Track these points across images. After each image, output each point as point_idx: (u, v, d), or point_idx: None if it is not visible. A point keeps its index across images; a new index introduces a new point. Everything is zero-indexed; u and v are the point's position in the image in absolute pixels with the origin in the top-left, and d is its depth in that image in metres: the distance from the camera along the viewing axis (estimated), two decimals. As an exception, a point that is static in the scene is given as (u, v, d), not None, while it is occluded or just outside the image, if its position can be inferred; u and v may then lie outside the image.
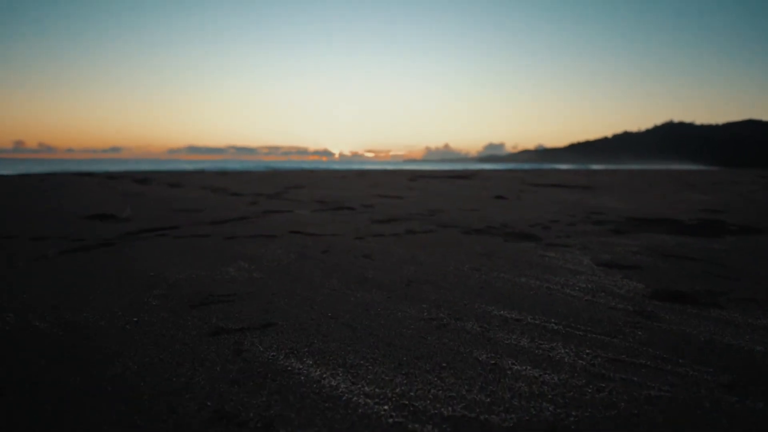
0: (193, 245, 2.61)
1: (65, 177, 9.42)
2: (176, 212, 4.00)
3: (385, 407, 0.95)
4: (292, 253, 2.46)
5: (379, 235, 3.02)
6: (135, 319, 1.45)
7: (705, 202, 5.81)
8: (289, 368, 1.11)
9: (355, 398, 0.98)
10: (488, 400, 0.99)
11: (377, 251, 2.53)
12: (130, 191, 5.99)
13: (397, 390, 1.02)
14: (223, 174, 9.85)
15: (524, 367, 1.14)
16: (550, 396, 1.01)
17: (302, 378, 1.07)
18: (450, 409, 0.95)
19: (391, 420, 0.90)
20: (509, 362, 1.17)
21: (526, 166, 44.30)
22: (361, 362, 1.15)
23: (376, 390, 1.01)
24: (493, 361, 1.17)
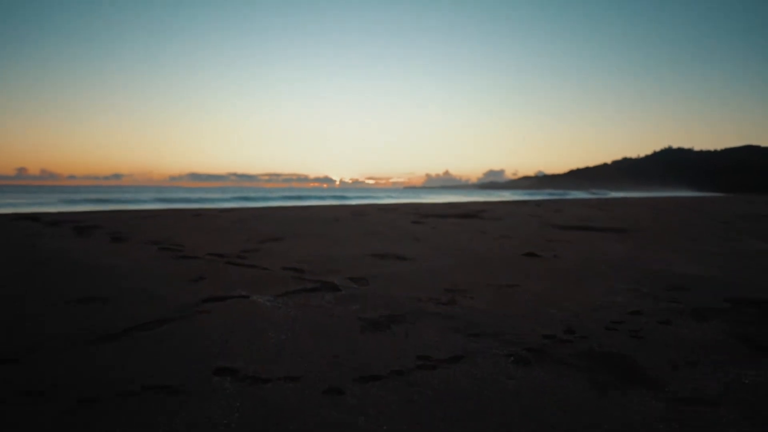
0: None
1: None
2: (68, 305, 2.70)
3: None
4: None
5: (369, 379, 1.72)
6: None
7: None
8: None
9: None
10: None
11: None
12: (46, 249, 4.71)
13: None
14: (196, 215, 8.54)
15: None
16: None
17: None
18: None
19: None
20: None
21: (536, 195, 43.15)
22: None
23: None
24: None
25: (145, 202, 17.91)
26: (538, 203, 18.48)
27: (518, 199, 30.96)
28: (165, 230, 6.34)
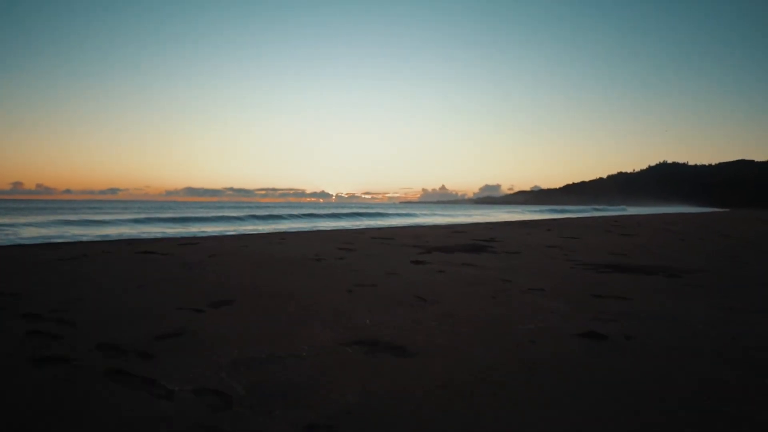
0: None
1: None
2: None
3: None
4: None
5: None
6: None
7: None
8: None
9: None
10: None
11: None
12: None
13: None
14: (143, 260, 6.84)
15: None
16: None
17: None
18: None
19: None
20: None
21: (539, 212, 41.81)
22: None
23: None
24: None
25: (107, 224, 16.25)
26: (548, 227, 16.98)
27: (523, 218, 29.53)
28: (66, 290, 4.76)
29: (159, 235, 12.67)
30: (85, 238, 10.76)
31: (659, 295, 4.68)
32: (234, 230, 15.21)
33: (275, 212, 32.61)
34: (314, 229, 15.48)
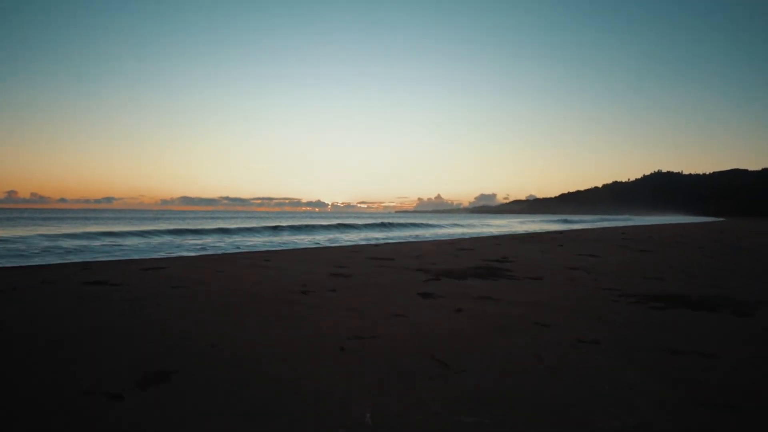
0: None
1: None
2: None
3: None
4: None
5: None
6: None
7: None
8: None
9: None
10: None
11: None
12: None
13: None
14: (84, 295, 5.57)
15: None
16: None
17: None
18: None
19: None
20: None
21: (542, 222, 40.82)
22: None
23: None
24: None
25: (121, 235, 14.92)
26: (558, 241, 15.84)
27: (529, 230, 28.42)
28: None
29: (128, 251, 11.42)
30: (35, 261, 9.47)
31: (749, 347, 3.54)
32: (220, 244, 13.99)
33: (270, 223, 31.36)
34: (306, 245, 14.27)
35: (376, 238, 17.51)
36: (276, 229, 22.66)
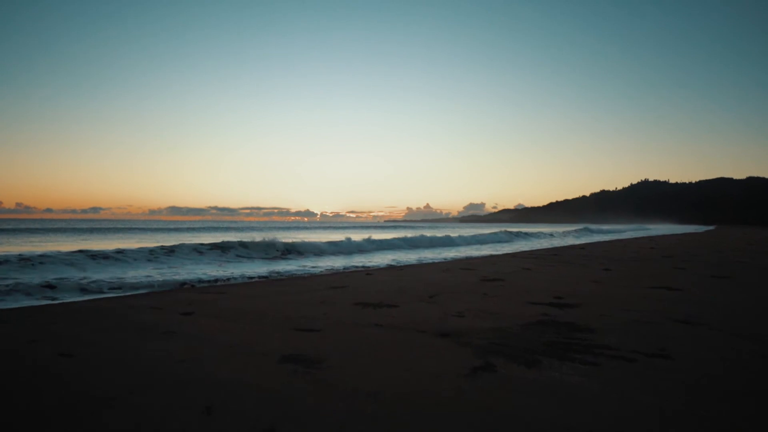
0: None
1: None
2: None
3: None
4: None
5: None
6: None
7: None
8: None
9: None
10: None
11: None
12: None
13: None
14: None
15: None
16: None
17: None
18: None
19: None
20: None
21: (561, 238, 37.81)
22: None
23: None
24: None
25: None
26: (597, 262, 12.60)
27: (528, 248, 25.30)
28: None
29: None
30: None
31: None
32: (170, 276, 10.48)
33: (248, 236, 27.61)
34: (258, 269, 10.78)
35: (365, 265, 13.30)
36: (245, 258, 16.22)
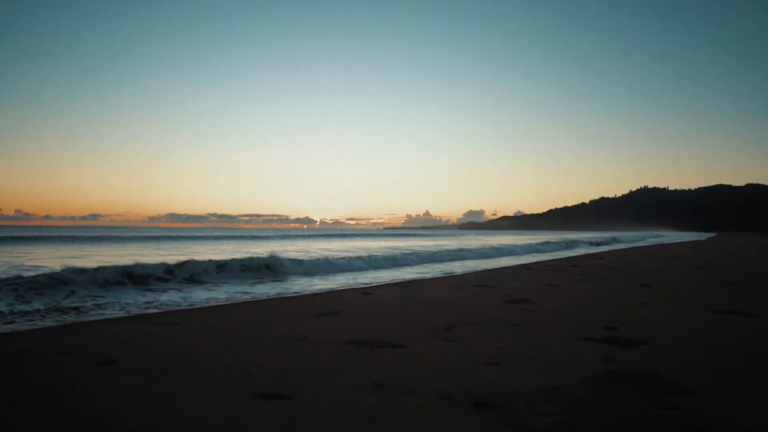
0: None
1: None
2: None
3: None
4: None
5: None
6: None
7: None
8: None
9: None
10: None
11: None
12: None
13: None
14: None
15: None
16: None
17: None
18: None
19: None
20: None
21: (544, 250, 36.30)
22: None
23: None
24: None
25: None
26: (632, 278, 11.06)
27: (557, 257, 23.84)
28: None
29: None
30: None
31: None
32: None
33: (242, 249, 26.17)
34: (218, 297, 8.79)
35: (363, 282, 10.31)
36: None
